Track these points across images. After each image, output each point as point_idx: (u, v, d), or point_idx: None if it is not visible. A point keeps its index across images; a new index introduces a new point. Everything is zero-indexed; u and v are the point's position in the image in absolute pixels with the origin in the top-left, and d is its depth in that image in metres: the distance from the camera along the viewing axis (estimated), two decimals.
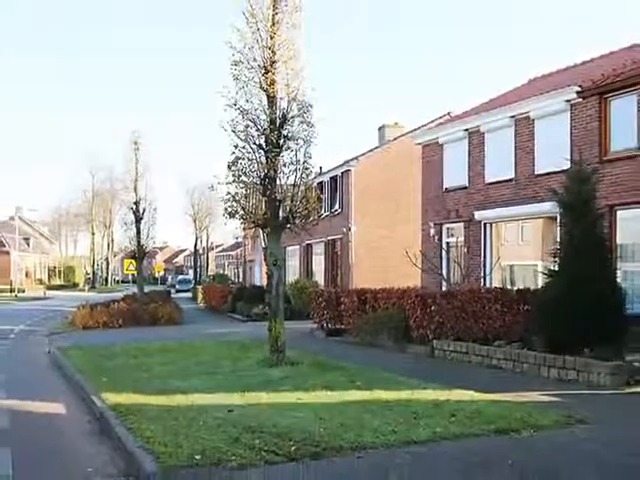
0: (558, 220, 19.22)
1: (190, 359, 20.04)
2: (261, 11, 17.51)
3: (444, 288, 24.76)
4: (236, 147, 17.81)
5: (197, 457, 9.24)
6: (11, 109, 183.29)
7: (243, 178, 18.02)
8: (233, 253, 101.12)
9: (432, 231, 28.28)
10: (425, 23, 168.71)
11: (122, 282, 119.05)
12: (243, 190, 18.48)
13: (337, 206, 43.49)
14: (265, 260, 20.08)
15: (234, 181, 18.05)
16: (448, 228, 27.86)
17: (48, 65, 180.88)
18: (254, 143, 17.78)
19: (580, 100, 20.91)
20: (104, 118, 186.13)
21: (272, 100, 17.75)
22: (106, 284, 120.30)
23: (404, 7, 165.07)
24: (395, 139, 42.91)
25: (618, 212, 19.49)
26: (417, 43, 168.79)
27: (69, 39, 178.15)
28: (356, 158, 42.86)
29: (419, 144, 30.07)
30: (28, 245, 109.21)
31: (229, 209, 18.54)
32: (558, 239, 18.36)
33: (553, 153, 21.66)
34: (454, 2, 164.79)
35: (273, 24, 17.52)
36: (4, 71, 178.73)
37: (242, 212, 18.62)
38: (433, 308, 20.78)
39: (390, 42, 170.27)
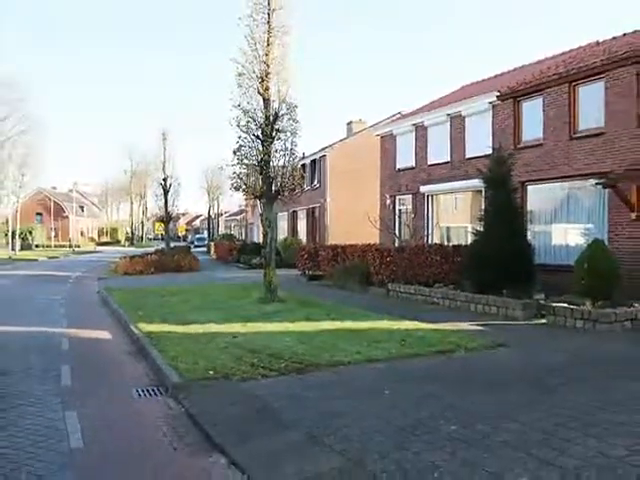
0: (483, 192, 19.19)
1: (204, 297, 20.00)
2: (259, 35, 17.65)
3: (397, 244, 24.73)
4: (239, 138, 17.91)
5: (210, 372, 9.22)
6: (75, 109, 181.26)
7: (245, 161, 18.07)
8: (238, 217, 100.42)
9: (388, 201, 28.19)
10: (385, 30, 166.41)
11: (153, 239, 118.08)
12: (245, 170, 18.38)
13: (316, 182, 43.35)
14: (261, 223, 19.98)
15: (238, 163, 18.12)
16: (400, 199, 27.73)
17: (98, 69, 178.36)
18: (253, 135, 17.87)
19: (499, 102, 20.76)
20: (141, 113, 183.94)
21: (267, 102, 17.79)
22: (141, 241, 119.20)
23: (368, 15, 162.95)
24: (360, 132, 42.60)
25: (528, 187, 19.42)
26: (378, 49, 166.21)
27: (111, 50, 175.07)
28: (330, 146, 42.69)
29: (378, 135, 29.85)
30: (83, 211, 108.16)
31: (234, 184, 18.69)
32: (483, 207, 18.33)
33: (479, 142, 21.58)
34: (411, 8, 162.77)
35: (268, 45, 17.71)
36: (63, 75, 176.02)
37: (244, 187, 18.64)
38: (388, 259, 20.80)
39: (356, 47, 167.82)
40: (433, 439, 6.28)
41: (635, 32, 18.86)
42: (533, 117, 19.41)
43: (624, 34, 19.51)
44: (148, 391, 8.99)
